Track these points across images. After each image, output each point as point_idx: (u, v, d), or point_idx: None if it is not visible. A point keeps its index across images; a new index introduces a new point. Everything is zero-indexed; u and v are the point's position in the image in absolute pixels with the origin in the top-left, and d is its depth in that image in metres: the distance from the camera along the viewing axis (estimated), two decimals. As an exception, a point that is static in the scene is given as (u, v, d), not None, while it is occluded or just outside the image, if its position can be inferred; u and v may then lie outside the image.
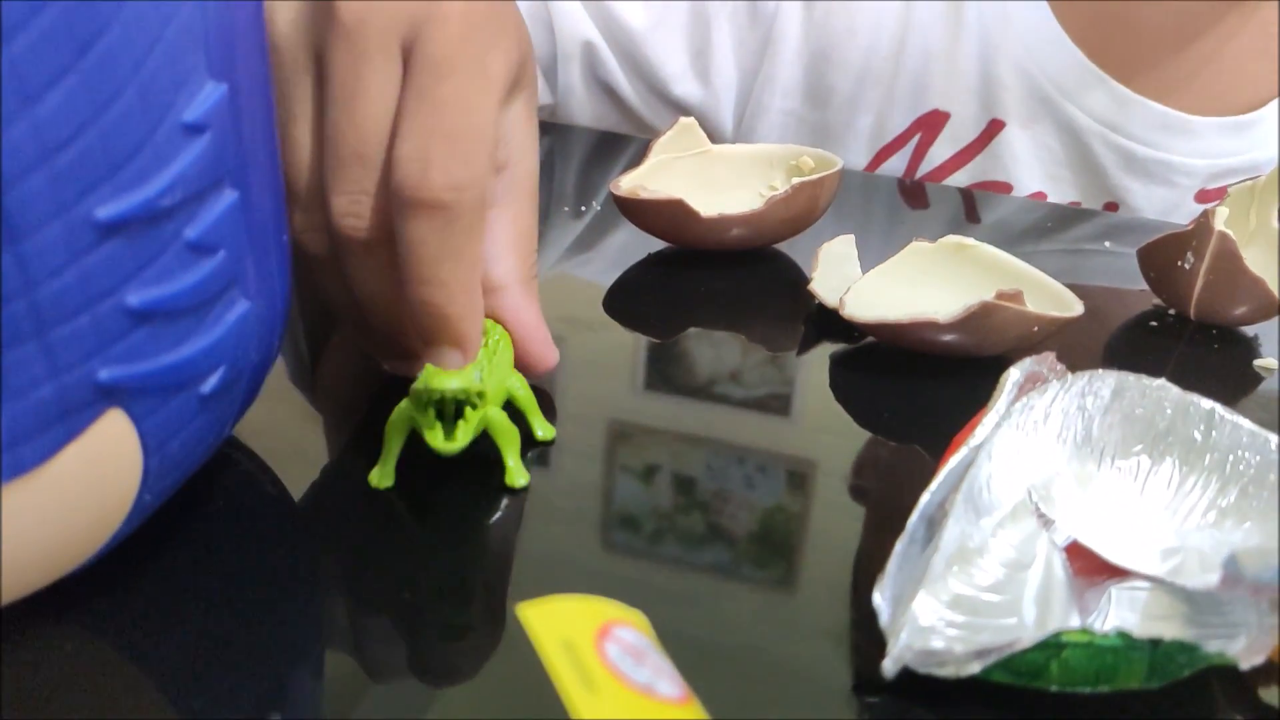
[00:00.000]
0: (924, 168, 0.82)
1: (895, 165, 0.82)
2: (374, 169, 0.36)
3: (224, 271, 0.30)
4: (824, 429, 0.45)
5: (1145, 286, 0.57)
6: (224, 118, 0.28)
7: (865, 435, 0.45)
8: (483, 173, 0.36)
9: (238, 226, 0.30)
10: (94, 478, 0.29)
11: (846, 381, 0.48)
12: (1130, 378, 0.36)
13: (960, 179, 0.81)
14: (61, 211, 0.25)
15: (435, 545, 0.36)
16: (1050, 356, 0.37)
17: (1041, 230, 0.70)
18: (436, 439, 0.35)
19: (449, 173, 0.34)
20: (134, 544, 0.33)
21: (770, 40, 0.80)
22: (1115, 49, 0.76)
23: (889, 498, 0.40)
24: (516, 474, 0.38)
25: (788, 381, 0.49)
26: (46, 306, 0.25)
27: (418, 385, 0.35)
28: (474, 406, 0.35)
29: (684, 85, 0.82)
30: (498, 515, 0.37)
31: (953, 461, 0.33)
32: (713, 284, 0.57)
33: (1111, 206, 0.80)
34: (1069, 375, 0.36)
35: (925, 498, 0.32)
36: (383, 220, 0.36)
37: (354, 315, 0.40)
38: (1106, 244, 0.68)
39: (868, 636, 0.31)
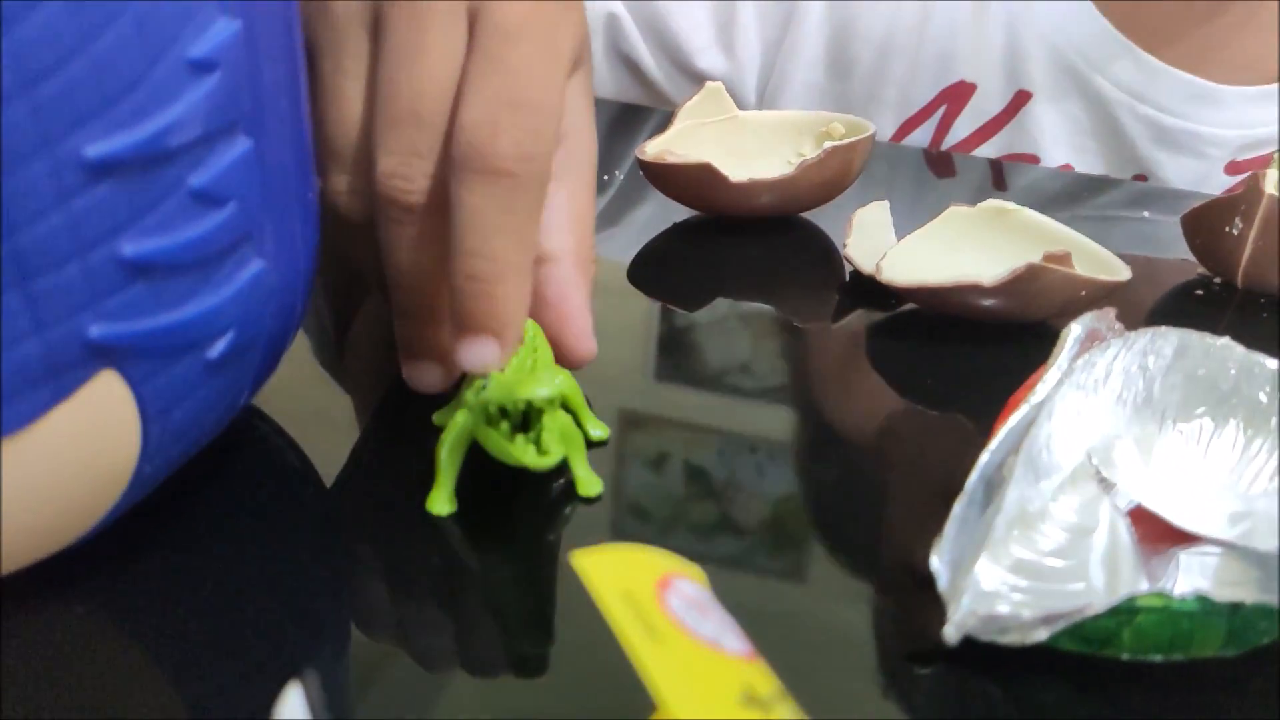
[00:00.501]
0: (949, 140, 0.79)
1: (919, 138, 0.80)
2: (428, 131, 0.33)
3: (234, 226, 0.27)
4: (863, 394, 0.43)
5: (1184, 255, 0.55)
6: (236, 57, 0.26)
7: (905, 403, 0.42)
8: (550, 147, 0.33)
9: (251, 178, 0.27)
10: (87, 443, 0.27)
11: (884, 349, 0.46)
12: (1193, 336, 0.34)
13: (986, 151, 0.79)
14: (46, 147, 0.22)
15: (460, 520, 0.33)
16: (1110, 313, 0.35)
17: (1071, 198, 0.68)
18: (528, 455, 0.31)
19: (518, 142, 0.32)
20: (147, 517, 0.31)
21: (793, 11, 0.78)
22: (1143, 18, 0.73)
23: (933, 465, 0.38)
24: (589, 483, 0.35)
25: (822, 349, 0.47)
26: (30, 252, 0.23)
27: (491, 397, 0.32)
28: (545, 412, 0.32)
29: (708, 58, 0.80)
30: (529, 493, 0.35)
31: (1013, 420, 0.31)
32: (741, 253, 0.55)
33: (1140, 179, 0.77)
34: (1130, 333, 0.33)
35: (984, 457, 0.30)
36: (430, 185, 0.34)
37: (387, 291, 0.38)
38: (1145, 214, 0.65)
39: (918, 605, 0.30)
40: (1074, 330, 0.33)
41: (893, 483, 0.37)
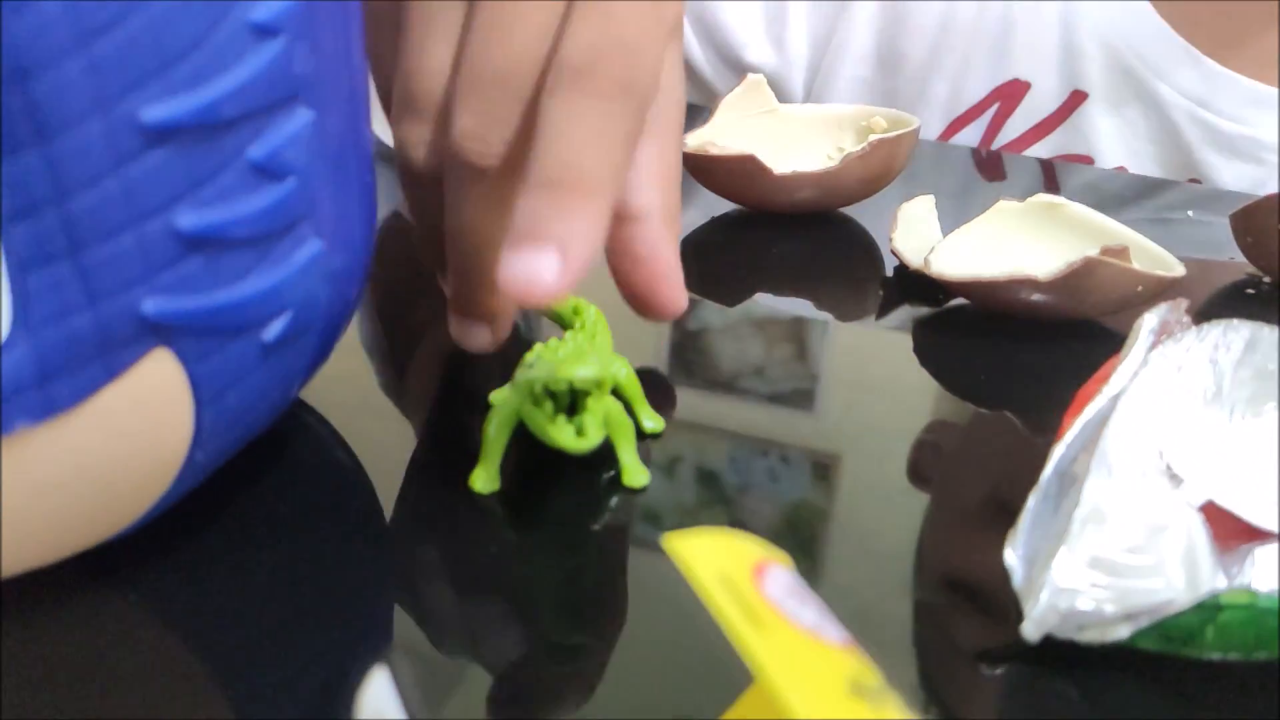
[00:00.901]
0: (1000, 140, 0.78)
1: (969, 136, 0.78)
2: (512, 97, 0.32)
3: (293, 202, 0.26)
4: (911, 390, 0.42)
5: (1235, 257, 0.53)
6: (300, 25, 0.25)
7: (952, 400, 0.41)
8: (649, 91, 0.32)
9: (312, 154, 0.26)
10: (139, 425, 0.25)
11: (931, 345, 0.45)
12: (1265, 330, 0.32)
13: (1039, 152, 0.77)
14: (101, 109, 0.21)
15: (504, 502, 0.32)
16: (1182, 304, 0.33)
17: (1122, 200, 0.66)
18: (565, 436, 0.30)
19: (618, 73, 0.31)
20: (190, 511, 0.30)
21: (845, 4, 0.77)
22: (1202, 22, 0.72)
23: (981, 464, 0.37)
24: (634, 472, 0.33)
25: (868, 346, 0.46)
26: (82, 221, 0.22)
27: (536, 375, 0.30)
28: (590, 396, 0.31)
29: (756, 52, 0.79)
30: (574, 480, 0.34)
31: (1088, 413, 0.30)
32: (781, 247, 0.53)
33: (1194, 184, 0.76)
34: (1203, 326, 0.32)
35: (1060, 450, 0.29)
36: (505, 152, 0.32)
37: (437, 250, 0.36)
38: (1189, 213, 0.64)
39: (985, 602, 0.29)
40: (1148, 321, 0.32)
41: (938, 483, 0.36)
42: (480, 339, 0.36)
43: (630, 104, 0.31)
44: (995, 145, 0.78)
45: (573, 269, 0.28)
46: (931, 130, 0.79)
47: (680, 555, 0.17)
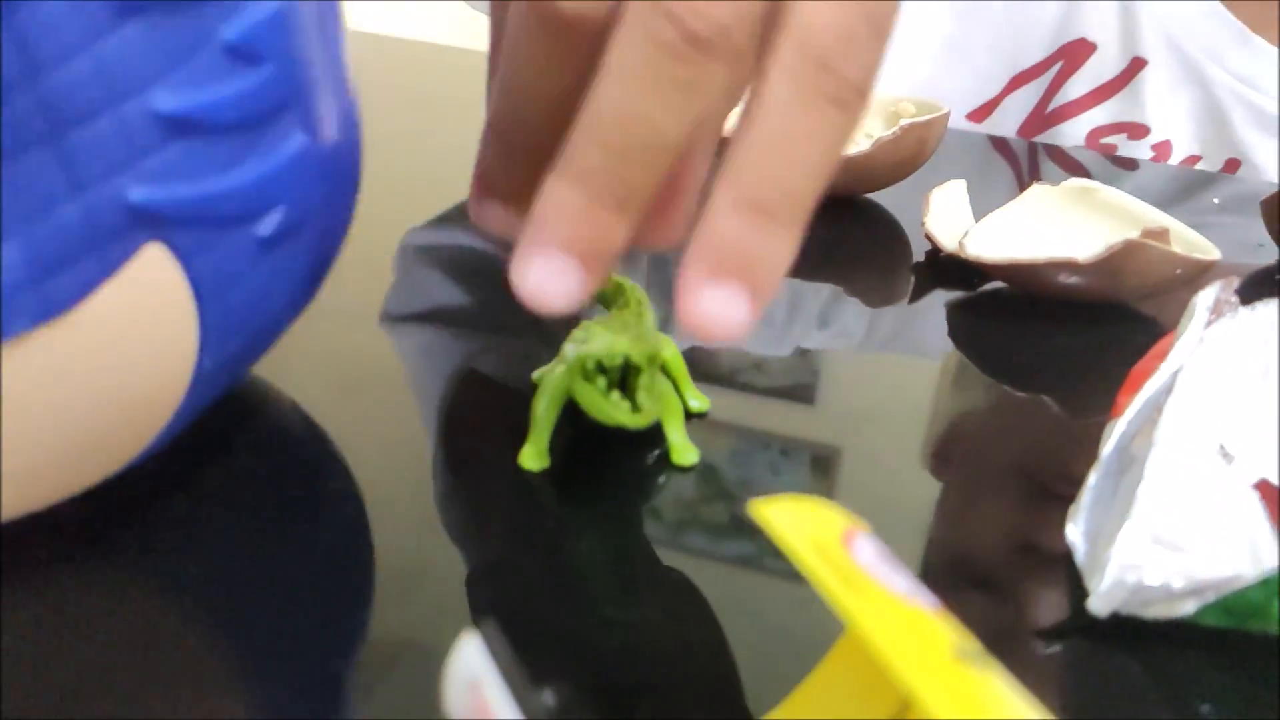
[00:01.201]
0: (1058, 100, 0.76)
1: (1025, 96, 0.76)
2: None
3: (271, 90, 0.25)
4: (946, 373, 0.41)
5: (1264, 245, 0.53)
6: None
7: (990, 383, 0.40)
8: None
9: (287, 43, 0.25)
10: (142, 328, 0.24)
11: (967, 329, 0.43)
12: (1313, 309, 0.32)
13: (1097, 118, 0.75)
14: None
15: (552, 479, 0.31)
16: (1233, 282, 0.33)
17: (1158, 198, 0.66)
18: (620, 412, 0.29)
19: (867, 69, 0.24)
20: (234, 492, 0.29)
21: None
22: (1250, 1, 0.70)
23: (1022, 447, 0.36)
24: (684, 450, 0.32)
25: (905, 330, 0.45)
26: (59, 101, 0.21)
27: (590, 350, 0.29)
28: (641, 373, 0.29)
29: None
30: (623, 458, 0.32)
31: (1148, 390, 0.29)
32: (809, 232, 0.52)
33: (1233, 163, 0.74)
34: (1255, 304, 0.32)
35: (1120, 427, 0.28)
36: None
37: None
38: (1215, 200, 0.64)
39: (1047, 580, 0.28)
40: (1202, 299, 0.32)
41: (976, 465, 0.35)
42: (498, 220, 0.30)
43: (857, 113, 0.24)
44: (1054, 105, 0.76)
45: (759, 307, 0.24)
46: (991, 85, 0.76)
47: (769, 521, 0.17)
